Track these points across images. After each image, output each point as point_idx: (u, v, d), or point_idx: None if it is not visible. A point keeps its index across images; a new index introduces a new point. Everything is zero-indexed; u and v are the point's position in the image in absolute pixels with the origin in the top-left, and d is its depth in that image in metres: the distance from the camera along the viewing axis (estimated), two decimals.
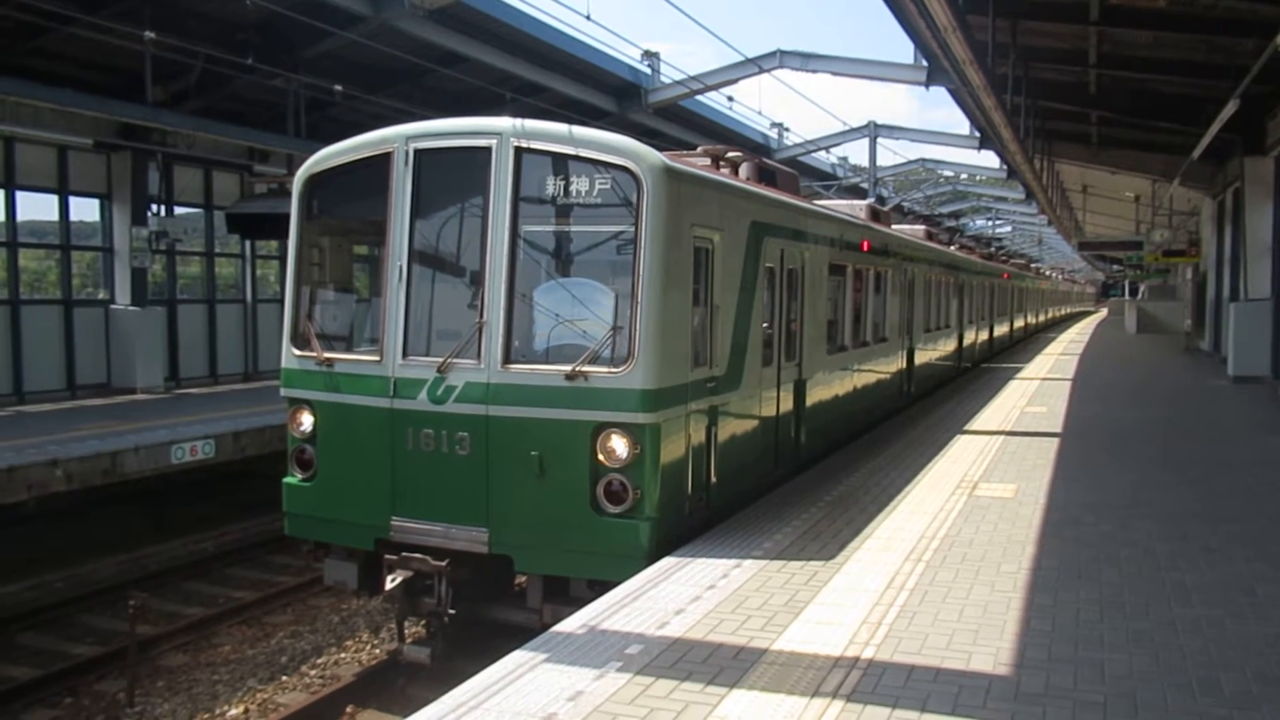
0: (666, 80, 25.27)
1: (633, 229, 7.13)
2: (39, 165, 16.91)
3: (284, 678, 8.91)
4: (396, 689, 8.17)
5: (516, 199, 7.34)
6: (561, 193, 7.32)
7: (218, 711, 8.26)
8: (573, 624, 5.89)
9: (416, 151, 7.65)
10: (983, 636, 5.70)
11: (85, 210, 18.18)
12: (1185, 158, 21.52)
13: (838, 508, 8.90)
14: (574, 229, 7.51)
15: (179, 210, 19.60)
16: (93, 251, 18.41)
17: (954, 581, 6.74)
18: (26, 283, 17.25)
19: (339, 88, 18.34)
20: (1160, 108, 20.66)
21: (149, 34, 14.99)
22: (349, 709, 8.08)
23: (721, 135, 28.53)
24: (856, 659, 5.34)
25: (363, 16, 17.14)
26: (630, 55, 26.86)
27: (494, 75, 20.54)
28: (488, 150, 7.41)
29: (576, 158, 7.27)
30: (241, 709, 8.30)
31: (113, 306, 18.00)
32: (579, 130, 7.41)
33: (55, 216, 17.51)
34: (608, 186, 7.23)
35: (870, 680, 5.06)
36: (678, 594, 6.40)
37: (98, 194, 18.04)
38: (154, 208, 18.56)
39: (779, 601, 6.28)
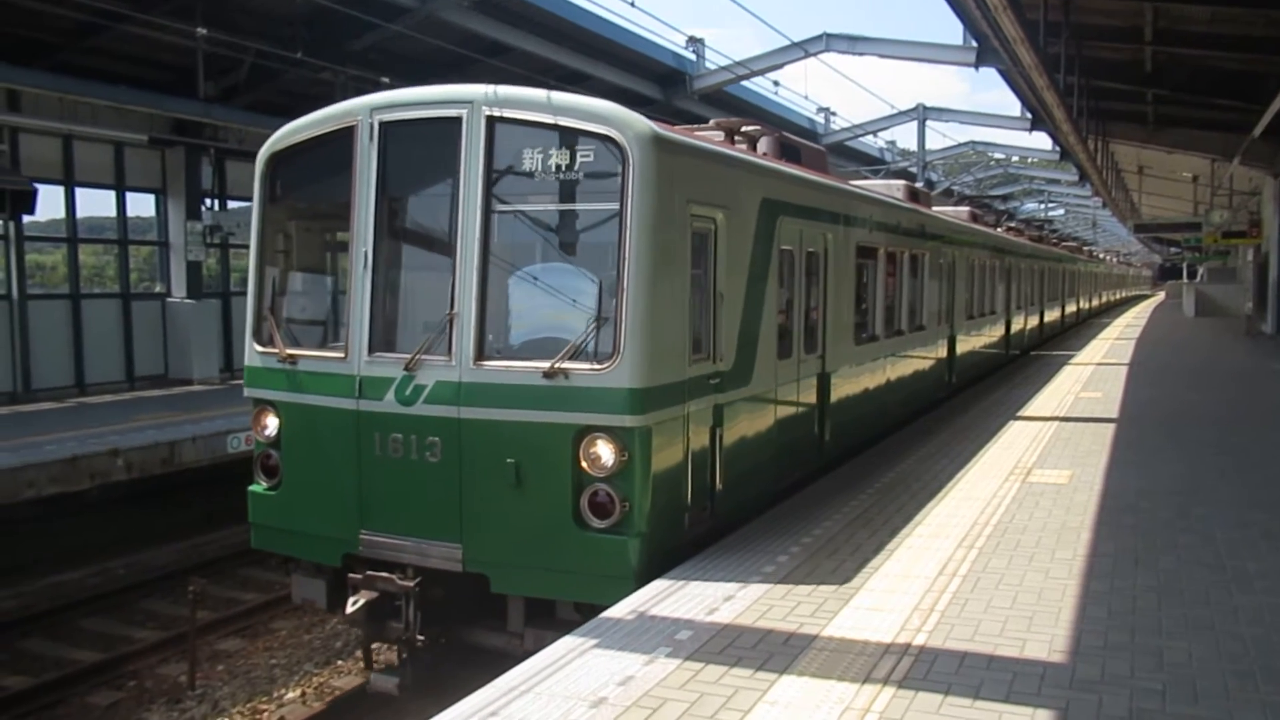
0: (711, 66, 25.16)
1: (618, 206, 6.33)
2: (97, 162, 17.31)
3: (339, 662, 9.07)
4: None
5: (489, 175, 6.59)
6: (539, 167, 6.50)
7: (275, 694, 8.43)
8: (622, 610, 5.91)
9: (382, 124, 6.90)
10: (1037, 623, 5.63)
11: (141, 205, 18.60)
12: (1245, 136, 20.99)
13: (887, 494, 8.83)
14: (553, 207, 6.75)
15: (231, 204, 19.94)
16: (149, 246, 18.81)
17: (1007, 568, 6.67)
18: (86, 277, 17.70)
19: (386, 80, 18.47)
20: (1219, 85, 20.13)
21: (201, 30, 15.27)
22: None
23: (767, 120, 28.29)
24: (908, 645, 5.31)
25: (409, 8, 17.30)
26: (675, 41, 26.80)
27: (538, 64, 20.60)
28: (458, 121, 6.65)
29: (555, 126, 6.45)
30: (299, 692, 8.47)
31: (169, 299, 18.41)
32: (558, 96, 6.62)
33: (113, 212, 17.94)
34: (590, 158, 6.40)
35: (922, 667, 5.02)
36: (727, 580, 6.39)
37: (153, 189, 18.45)
38: (207, 202, 18.95)
39: (828, 588, 6.25)
